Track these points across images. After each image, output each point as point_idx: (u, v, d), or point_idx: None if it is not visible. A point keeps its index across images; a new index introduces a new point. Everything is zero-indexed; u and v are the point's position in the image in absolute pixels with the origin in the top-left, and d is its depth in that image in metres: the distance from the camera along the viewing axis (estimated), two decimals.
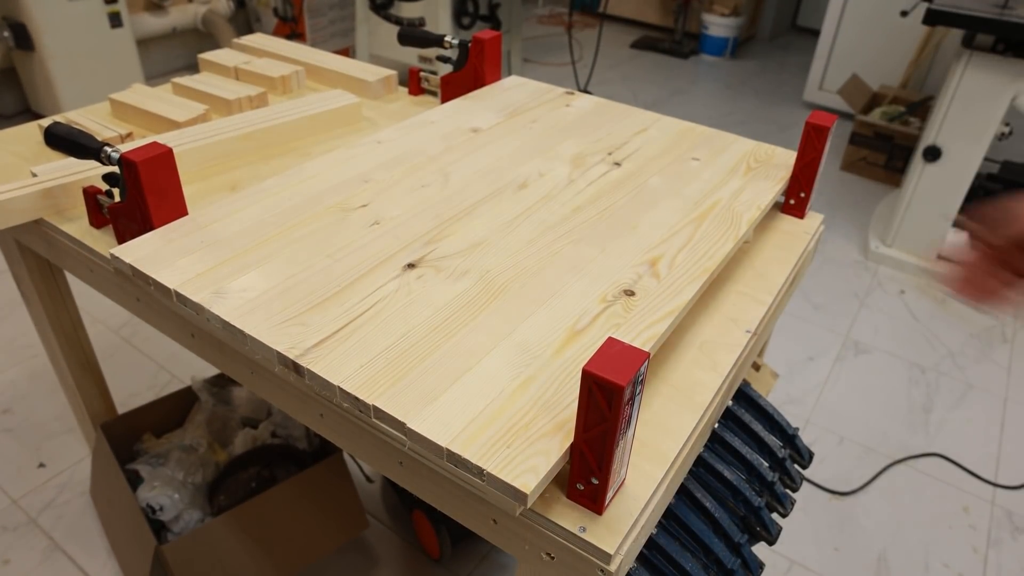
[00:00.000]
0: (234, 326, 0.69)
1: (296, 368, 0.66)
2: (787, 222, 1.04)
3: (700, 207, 0.94)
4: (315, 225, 0.86)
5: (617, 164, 1.04)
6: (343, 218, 0.87)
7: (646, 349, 0.62)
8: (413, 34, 1.33)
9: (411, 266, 0.79)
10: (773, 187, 1.00)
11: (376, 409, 0.61)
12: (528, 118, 1.17)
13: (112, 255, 0.79)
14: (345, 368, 0.65)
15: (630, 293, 0.77)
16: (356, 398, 0.62)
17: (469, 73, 1.29)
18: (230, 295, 0.73)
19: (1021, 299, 0.74)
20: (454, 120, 1.15)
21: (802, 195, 1.03)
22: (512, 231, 0.87)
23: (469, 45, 1.27)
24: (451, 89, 1.31)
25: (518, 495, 0.55)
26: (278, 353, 0.67)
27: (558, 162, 1.04)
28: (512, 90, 1.29)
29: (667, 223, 0.90)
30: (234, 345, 0.73)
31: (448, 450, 0.58)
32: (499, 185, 0.97)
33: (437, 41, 1.30)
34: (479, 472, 0.57)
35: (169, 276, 0.75)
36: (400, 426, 0.60)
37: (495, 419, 0.60)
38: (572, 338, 0.70)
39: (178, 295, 0.73)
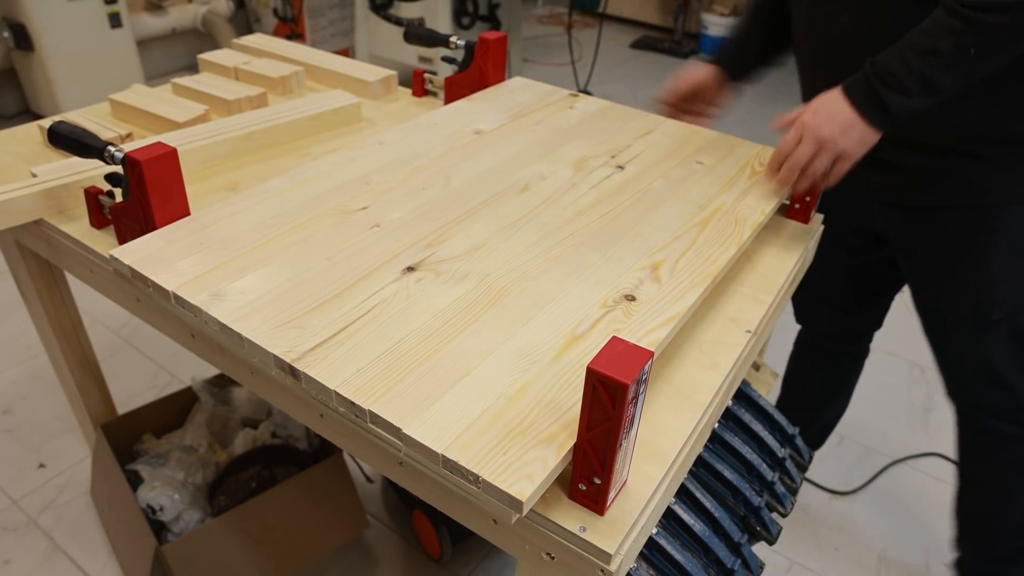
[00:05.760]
0: (231, 329, 0.69)
1: (293, 372, 0.65)
2: (789, 222, 1.04)
3: (703, 212, 0.93)
4: (315, 227, 0.85)
5: (620, 167, 1.03)
6: (343, 220, 0.87)
7: None
8: (419, 33, 1.32)
9: (410, 269, 0.79)
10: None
11: (372, 414, 0.61)
12: (531, 120, 1.17)
13: (111, 256, 0.78)
14: (341, 372, 0.64)
15: (631, 298, 0.76)
16: (352, 403, 0.62)
17: (473, 74, 1.29)
18: (228, 297, 0.72)
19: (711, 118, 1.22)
20: (457, 122, 1.14)
21: (807, 199, 1.02)
22: (513, 234, 0.86)
23: (474, 46, 1.27)
24: (455, 90, 1.30)
25: (514, 502, 0.55)
26: (275, 356, 0.66)
27: (561, 165, 1.03)
28: (516, 92, 1.28)
29: (670, 228, 0.90)
30: (232, 348, 0.72)
31: (444, 456, 0.57)
32: (501, 188, 0.96)
33: (443, 41, 1.30)
34: (475, 479, 0.56)
35: (168, 278, 0.74)
36: (396, 431, 0.60)
37: (492, 425, 0.60)
38: (571, 343, 0.70)
39: (176, 297, 0.73)
